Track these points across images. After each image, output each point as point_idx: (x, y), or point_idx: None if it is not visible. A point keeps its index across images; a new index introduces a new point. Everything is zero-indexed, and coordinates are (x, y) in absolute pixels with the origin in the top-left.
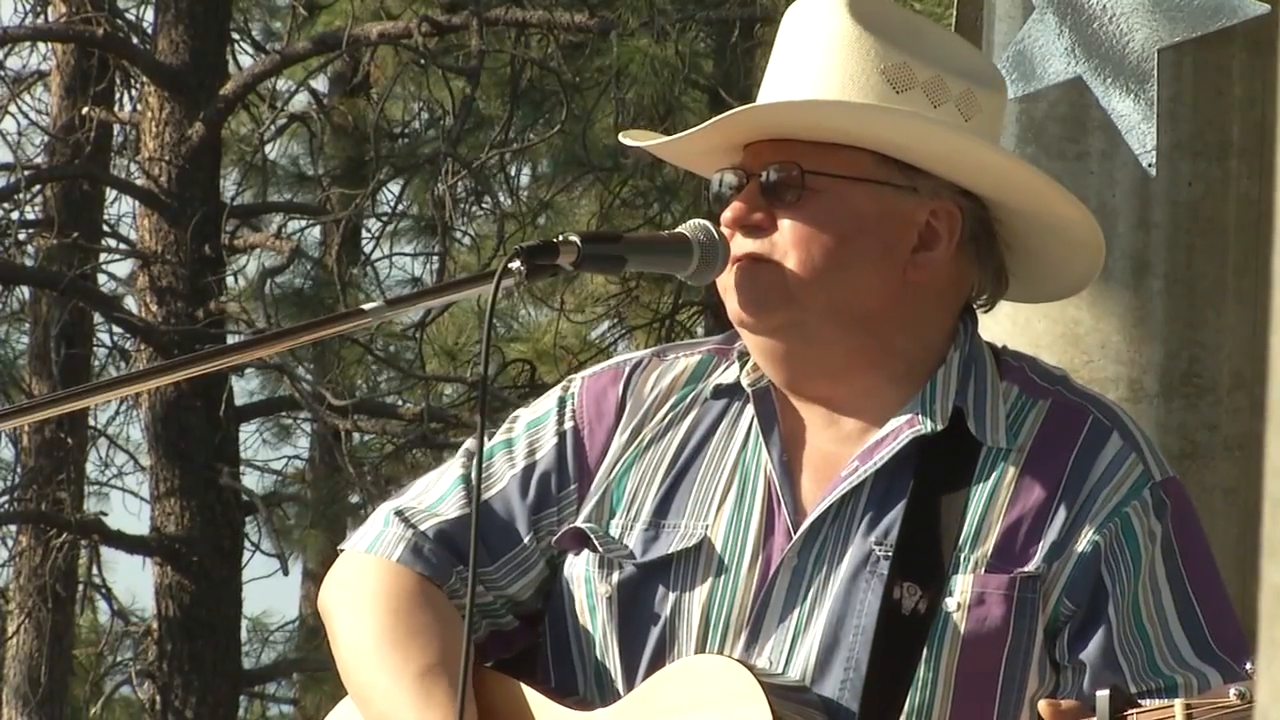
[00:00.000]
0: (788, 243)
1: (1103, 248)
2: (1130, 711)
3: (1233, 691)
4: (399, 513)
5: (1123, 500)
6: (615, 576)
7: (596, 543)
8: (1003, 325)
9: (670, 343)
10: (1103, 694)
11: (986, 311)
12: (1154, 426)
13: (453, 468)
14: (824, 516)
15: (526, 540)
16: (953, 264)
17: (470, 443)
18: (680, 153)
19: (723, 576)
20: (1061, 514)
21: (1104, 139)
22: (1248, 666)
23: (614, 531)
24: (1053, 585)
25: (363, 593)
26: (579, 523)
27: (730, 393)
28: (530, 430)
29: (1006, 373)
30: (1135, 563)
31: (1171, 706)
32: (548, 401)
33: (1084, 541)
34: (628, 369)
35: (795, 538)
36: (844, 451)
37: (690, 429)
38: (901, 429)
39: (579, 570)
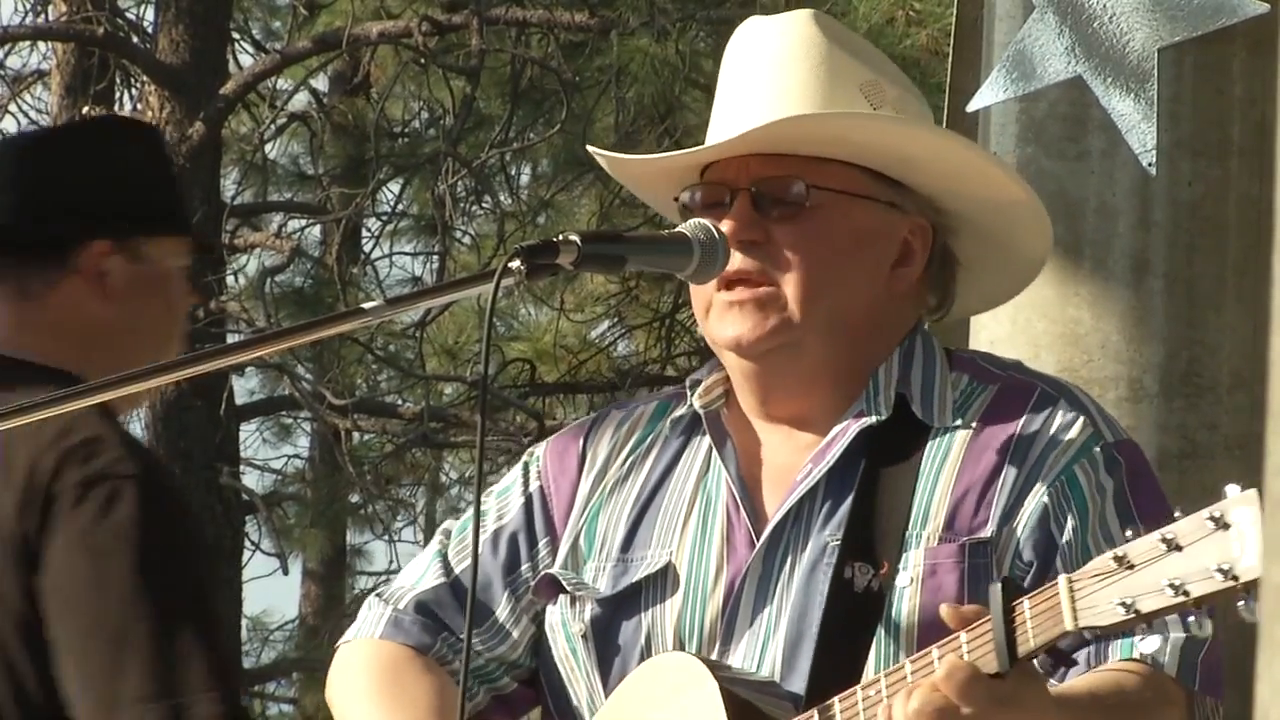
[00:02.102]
0: (789, 257)
1: (1042, 266)
2: (1021, 599)
3: (1110, 555)
4: (378, 595)
5: (1071, 459)
6: (587, 613)
7: (566, 585)
8: (1003, 325)
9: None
10: (995, 586)
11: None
12: (1154, 426)
13: (430, 548)
14: (784, 521)
15: (504, 600)
16: (918, 280)
17: (448, 523)
18: (640, 172)
19: (690, 595)
20: (1010, 479)
21: (1104, 138)
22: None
23: (588, 576)
24: (1005, 549)
25: (351, 671)
26: (553, 570)
27: (688, 425)
28: (499, 498)
29: (957, 364)
30: (1082, 515)
31: (1055, 584)
32: (514, 471)
33: (1033, 502)
34: (589, 423)
35: (758, 546)
36: (798, 460)
37: (652, 466)
38: (849, 426)
39: (555, 617)
